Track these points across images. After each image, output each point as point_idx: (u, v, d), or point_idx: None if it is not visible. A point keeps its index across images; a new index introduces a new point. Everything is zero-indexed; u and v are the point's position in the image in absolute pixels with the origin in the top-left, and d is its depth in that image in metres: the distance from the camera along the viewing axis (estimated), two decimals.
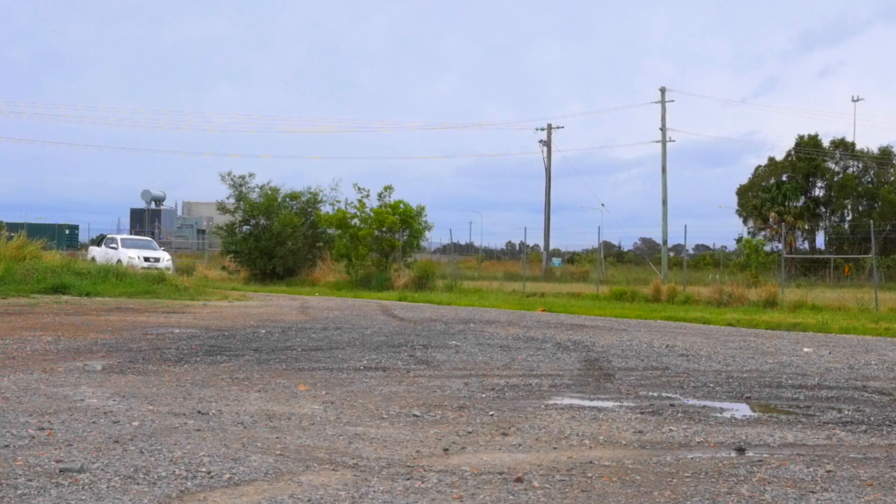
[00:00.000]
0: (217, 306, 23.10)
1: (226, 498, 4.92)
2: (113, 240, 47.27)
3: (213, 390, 8.81)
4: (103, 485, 5.09)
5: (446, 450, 6.28)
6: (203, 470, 5.48)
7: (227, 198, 51.53)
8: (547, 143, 73.61)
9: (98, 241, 50.39)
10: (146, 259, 43.69)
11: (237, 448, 6.13)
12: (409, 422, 7.39)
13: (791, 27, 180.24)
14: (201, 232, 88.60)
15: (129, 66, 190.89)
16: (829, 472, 5.79)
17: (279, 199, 50.46)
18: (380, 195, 47.07)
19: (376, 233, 45.85)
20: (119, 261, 41.13)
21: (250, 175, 51.26)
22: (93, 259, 43.59)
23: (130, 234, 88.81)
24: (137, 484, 5.14)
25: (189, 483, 5.19)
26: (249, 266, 49.69)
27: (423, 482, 5.33)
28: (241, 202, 50.56)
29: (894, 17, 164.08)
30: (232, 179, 50.64)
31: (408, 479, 5.39)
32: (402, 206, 46.43)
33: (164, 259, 45.19)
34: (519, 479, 5.40)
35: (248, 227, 50.67)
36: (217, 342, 13.33)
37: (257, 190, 50.89)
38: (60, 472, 5.32)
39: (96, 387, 8.80)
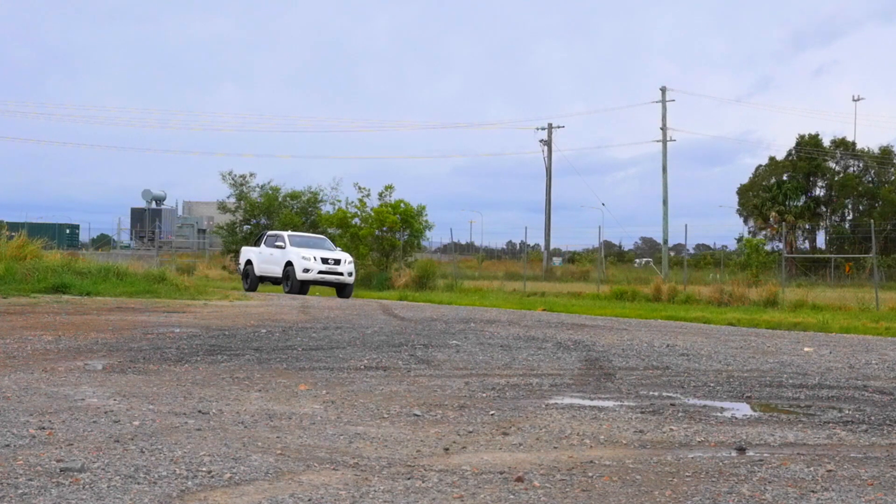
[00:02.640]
0: (218, 306, 23.09)
1: (226, 497, 4.92)
2: (277, 237, 36.80)
3: (214, 390, 8.81)
4: (104, 484, 5.09)
5: (447, 449, 6.28)
6: (204, 469, 5.48)
7: (228, 197, 51.70)
8: (548, 143, 73.75)
9: (255, 239, 39.77)
10: (324, 261, 34.38)
11: (238, 447, 6.13)
12: (409, 421, 7.39)
13: (785, 26, 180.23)
14: (202, 231, 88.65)
15: (133, 65, 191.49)
16: (829, 471, 5.79)
17: (280, 199, 50.58)
18: (380, 195, 47.19)
19: (377, 232, 45.95)
20: (289, 263, 34.37)
21: (251, 175, 51.44)
22: (247, 263, 36.99)
23: (132, 234, 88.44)
24: (138, 483, 5.14)
25: (190, 482, 5.19)
26: None
27: (423, 482, 5.33)
28: (242, 202, 50.67)
29: (886, 17, 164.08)
30: (233, 179, 50.77)
31: (408, 479, 5.39)
32: (402, 205, 46.52)
33: (346, 261, 35.02)
34: (519, 479, 5.40)
35: (249, 226, 50.76)
36: (218, 342, 13.33)
37: (258, 189, 51.05)
38: (61, 471, 5.32)
39: (97, 386, 8.80)
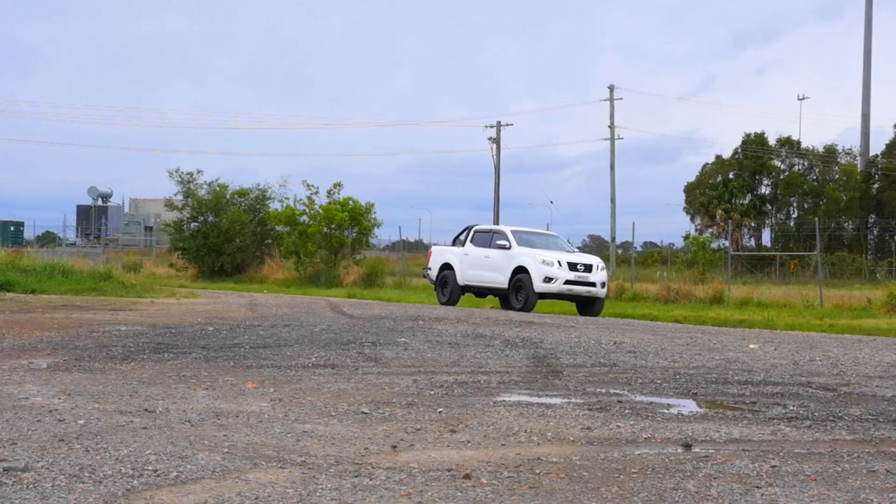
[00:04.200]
0: (165, 304, 22.95)
1: (172, 496, 4.89)
2: (496, 233, 27.69)
3: (160, 388, 8.75)
4: (48, 483, 5.04)
5: (395, 447, 6.28)
6: (150, 468, 5.45)
7: (175, 195, 51.25)
8: (496, 141, 73.84)
9: (462, 238, 29.13)
10: (572, 267, 25.52)
11: (184, 446, 6.09)
12: (357, 419, 7.38)
13: (727, 25, 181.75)
14: (149, 229, 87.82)
15: (81, 62, 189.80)
16: (774, 467, 5.84)
17: (228, 196, 50.27)
18: (329, 192, 47.06)
19: (325, 230, 45.82)
20: (520, 270, 25.75)
21: (199, 172, 51.05)
22: (445, 268, 28.29)
23: (78, 231, 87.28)
24: (83, 482, 5.09)
25: (135, 481, 5.16)
26: (197, 263, 49.47)
27: (371, 479, 5.33)
28: (189, 199, 50.31)
29: (825, 16, 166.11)
30: (180, 176, 50.39)
31: (356, 477, 5.38)
32: (351, 203, 46.42)
33: (598, 268, 26.20)
34: (467, 476, 5.41)
35: (197, 224, 50.43)
36: (164, 340, 13.24)
37: (206, 187, 50.70)
38: (4, 471, 5.27)
39: (41, 385, 8.71)
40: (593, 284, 25.61)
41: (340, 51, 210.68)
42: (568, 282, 25.20)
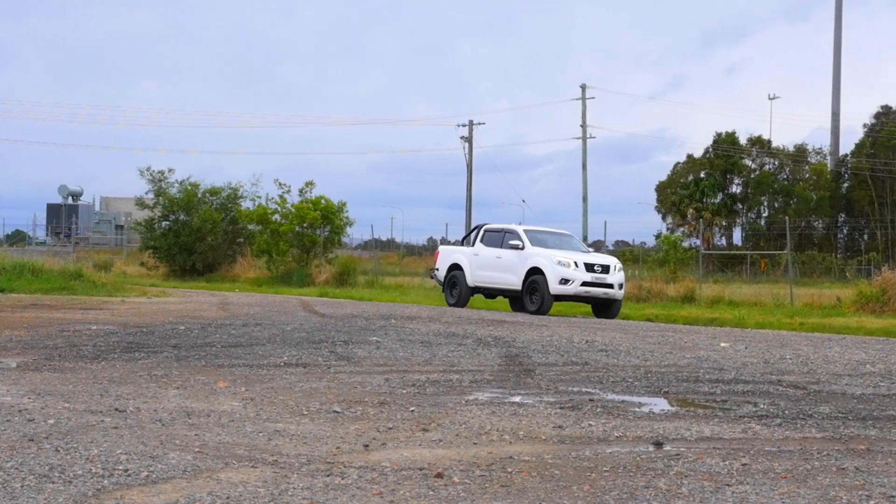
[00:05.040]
0: (136, 303, 22.85)
1: (143, 496, 4.87)
2: (508, 233, 26.50)
3: (131, 387, 8.71)
4: (17, 484, 5.01)
5: (367, 446, 6.27)
6: (120, 468, 5.42)
7: (146, 193, 50.98)
8: (469, 140, 73.96)
9: (465, 235, 29.63)
10: (589, 268, 24.43)
11: (155, 445, 6.07)
12: (329, 418, 7.37)
13: (696, 25, 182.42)
14: (119, 228, 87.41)
15: (50, 60, 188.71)
16: (744, 465, 5.87)
17: (199, 195, 50.06)
18: (301, 191, 46.92)
19: (297, 228, 45.69)
20: (535, 271, 24.71)
21: (170, 170, 50.77)
22: (454, 268, 27.11)
23: (48, 230, 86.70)
24: (52, 483, 5.07)
25: (106, 481, 5.13)
26: (169, 262, 49.24)
27: (343, 478, 5.32)
28: (161, 197, 50.08)
29: (792, 16, 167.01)
30: (151, 174, 50.13)
31: (328, 476, 5.37)
32: (323, 201, 46.29)
33: (615, 268, 25.14)
34: (439, 475, 5.41)
35: (168, 222, 50.18)
36: (135, 339, 13.19)
37: (177, 185, 50.45)
38: None
39: (11, 384, 8.66)
40: (611, 286, 24.63)
41: (312, 49, 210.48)
42: (585, 283, 24.20)
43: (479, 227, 27.85)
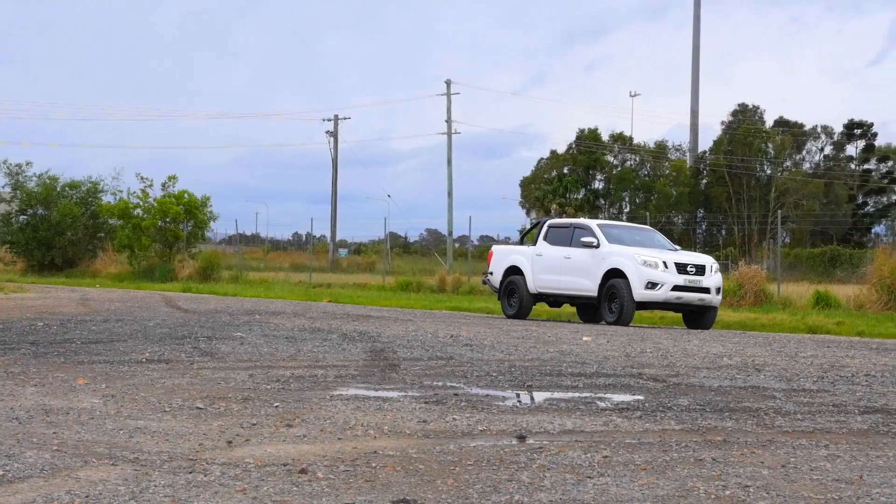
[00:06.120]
0: None
1: None
2: (582, 229, 22.24)
3: None
4: None
5: (230, 442, 6.22)
6: None
7: (3, 187, 49.90)
8: (334, 134, 73.83)
9: (535, 235, 23.91)
10: (680, 268, 20.58)
11: (11, 444, 5.92)
12: (192, 414, 7.28)
13: (556, 21, 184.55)
14: None
15: None
16: (605, 457, 5.97)
17: (58, 189, 49.14)
18: (164, 185, 46.43)
19: (160, 223, 45.16)
20: (614, 273, 20.71)
21: (28, 163, 49.85)
22: (512, 272, 22.97)
23: None
24: None
25: None
26: (27, 257, 48.32)
27: (205, 475, 5.27)
28: (18, 191, 49.05)
29: (651, 15, 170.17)
30: (8, 168, 49.11)
31: (190, 473, 5.31)
32: (186, 196, 45.87)
33: (712, 269, 21.16)
34: (303, 471, 5.39)
35: (26, 216, 49.20)
36: None
37: (35, 179, 49.49)
38: None
39: None
40: (707, 290, 20.75)
41: (176, 41, 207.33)
42: (676, 287, 20.32)
43: (541, 223, 24.09)
